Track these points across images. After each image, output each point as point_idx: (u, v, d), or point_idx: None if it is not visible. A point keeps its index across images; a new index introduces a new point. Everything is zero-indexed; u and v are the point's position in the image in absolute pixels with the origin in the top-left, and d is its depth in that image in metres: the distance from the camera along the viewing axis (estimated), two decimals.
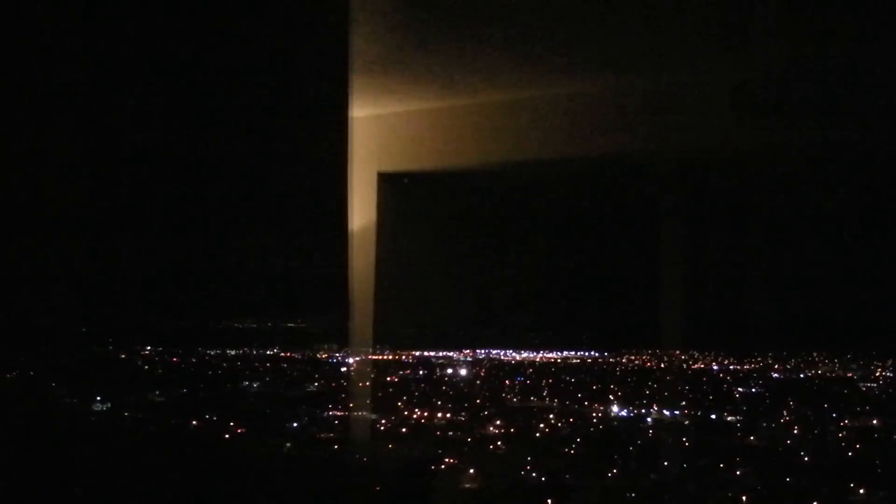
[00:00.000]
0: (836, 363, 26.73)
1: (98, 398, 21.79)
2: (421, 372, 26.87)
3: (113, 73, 17.93)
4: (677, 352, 26.05)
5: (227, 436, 20.08)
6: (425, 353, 27.93)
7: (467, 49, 12.72)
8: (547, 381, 26.72)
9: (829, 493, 16.46)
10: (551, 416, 22.41)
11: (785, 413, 22.50)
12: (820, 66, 12.89)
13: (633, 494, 16.70)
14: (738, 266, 23.11)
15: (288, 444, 19.58)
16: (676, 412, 22.77)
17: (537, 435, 20.81)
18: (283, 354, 27.74)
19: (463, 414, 22.32)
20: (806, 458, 18.70)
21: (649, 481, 17.34)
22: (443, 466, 17.73)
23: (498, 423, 21.43)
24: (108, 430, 20.47)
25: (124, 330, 26.59)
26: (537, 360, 28.98)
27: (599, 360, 28.78)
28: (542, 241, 24.33)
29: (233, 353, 27.49)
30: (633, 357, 28.79)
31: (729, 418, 22.24)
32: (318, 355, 27.24)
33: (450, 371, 27.22)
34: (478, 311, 26.04)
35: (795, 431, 20.97)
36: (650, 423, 22.10)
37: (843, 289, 23.05)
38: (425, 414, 22.19)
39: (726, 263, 23.07)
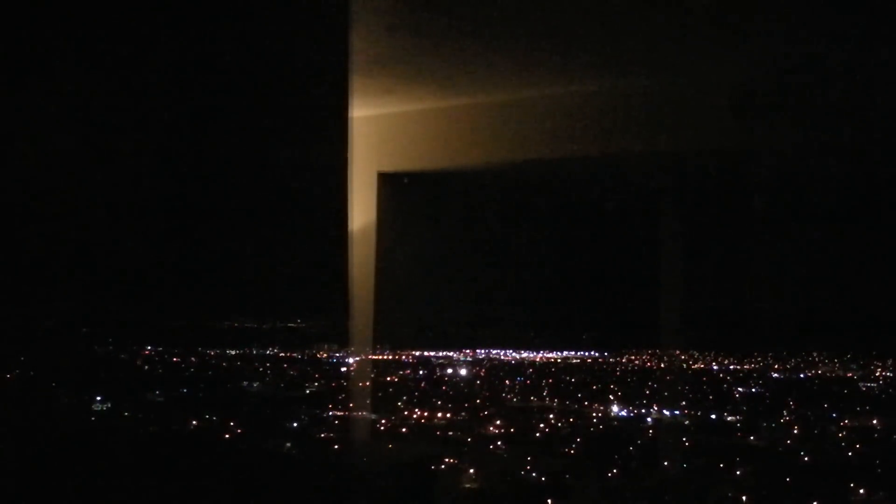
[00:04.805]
0: (836, 363, 26.73)
1: (98, 398, 21.78)
2: (421, 372, 26.87)
3: (112, 72, 17.93)
4: (677, 352, 26.04)
5: (227, 436, 20.08)
6: (425, 353, 27.93)
7: (467, 49, 12.72)
8: (547, 381, 26.72)
9: (829, 493, 16.46)
10: (551, 416, 22.41)
11: (785, 413, 22.50)
12: (820, 66, 12.89)
13: (633, 494, 16.71)
14: (738, 266, 23.10)
15: (288, 444, 19.58)
16: (676, 412, 22.77)
17: (537, 435, 20.81)
18: (283, 354, 27.73)
19: (463, 414, 22.32)
20: (806, 458, 18.70)
21: (649, 481, 17.35)
22: (443, 466, 17.74)
23: (498, 423, 21.43)
24: (108, 430, 20.46)
25: (124, 330, 26.58)
26: (537, 360, 28.98)
27: (599, 360, 28.77)
28: (542, 241, 24.33)
29: (233, 353, 27.48)
30: (633, 357, 28.79)
31: (729, 418, 22.24)
32: (318, 355, 27.24)
33: (450, 371, 27.23)
34: (478, 311, 26.04)
35: (795, 431, 20.97)
36: (650, 423, 22.10)
37: (843, 289, 23.05)
38: (425, 414, 22.19)
39: (726, 263, 23.07)
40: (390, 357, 27.36)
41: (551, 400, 24.26)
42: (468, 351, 28.37)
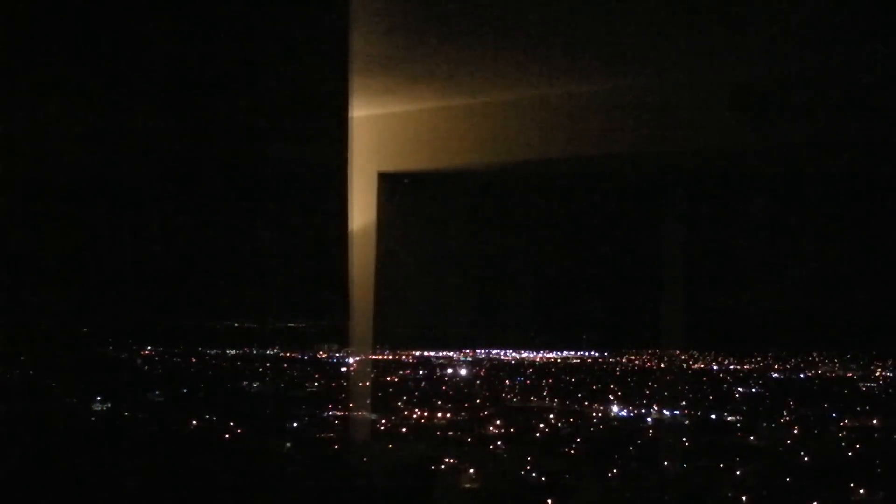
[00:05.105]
0: (836, 363, 26.71)
1: (98, 398, 21.77)
2: (421, 372, 26.86)
3: (111, 71, 17.91)
4: (677, 352, 26.04)
5: (227, 436, 20.08)
6: (425, 353, 27.91)
7: (467, 49, 12.70)
8: (547, 381, 26.72)
9: (829, 493, 16.47)
10: (551, 416, 22.41)
11: (785, 413, 22.50)
12: (819, 66, 12.88)
13: (633, 494, 16.72)
14: (739, 266, 23.10)
15: (288, 444, 19.58)
16: (676, 412, 22.77)
17: (537, 435, 20.81)
18: (283, 354, 27.71)
19: (463, 414, 22.31)
20: (806, 458, 18.70)
21: (649, 481, 17.35)
22: (443, 466, 17.74)
23: (498, 423, 21.42)
24: (108, 430, 20.46)
25: (124, 330, 26.56)
26: (537, 360, 28.97)
27: (599, 360, 28.76)
28: (542, 241, 24.32)
29: (233, 353, 27.46)
30: (633, 357, 28.77)
31: (729, 418, 22.23)
32: (318, 355, 27.22)
33: (450, 371, 27.21)
34: (478, 311, 26.02)
35: (795, 431, 20.97)
36: (650, 423, 22.10)
37: (843, 289, 23.03)
38: (425, 414, 22.19)
39: (727, 263, 23.06)
40: (390, 357, 27.34)
41: (551, 400, 24.24)
42: (468, 351, 28.34)
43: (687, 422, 22.05)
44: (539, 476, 17.42)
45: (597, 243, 24.63)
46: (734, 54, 12.77)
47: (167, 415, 21.48)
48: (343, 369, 25.80)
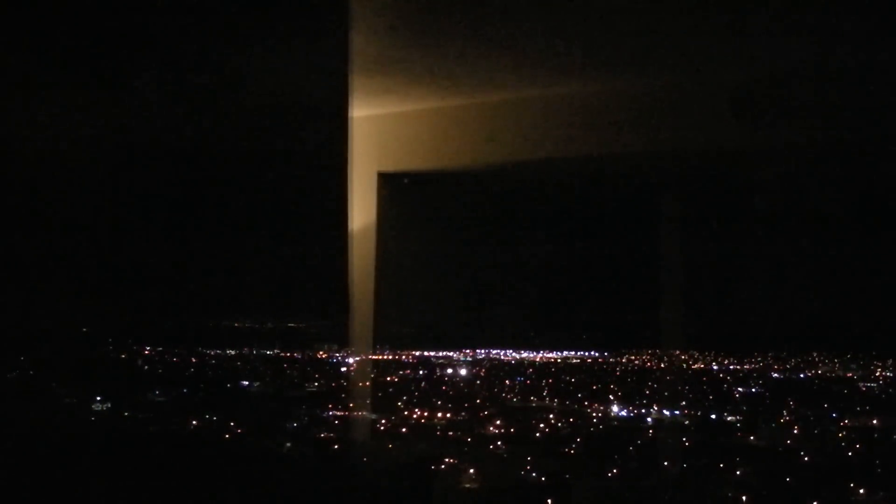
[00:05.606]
0: (836, 363, 26.72)
1: (98, 398, 21.79)
2: (421, 372, 26.87)
3: (111, 71, 17.92)
4: (677, 352, 26.05)
5: (227, 436, 20.10)
6: (425, 353, 27.91)
7: (467, 49, 12.69)
8: (547, 381, 26.72)
9: (829, 493, 16.49)
10: (551, 416, 22.43)
11: (785, 413, 22.51)
12: (820, 66, 12.88)
13: (633, 494, 16.74)
14: (738, 266, 23.10)
15: (288, 444, 19.60)
16: (676, 412, 22.79)
17: (537, 435, 20.83)
18: (283, 354, 27.72)
19: (463, 414, 22.33)
20: (806, 458, 18.72)
21: (649, 481, 17.37)
22: (443, 466, 17.75)
23: (498, 423, 21.44)
24: (108, 430, 20.48)
25: (124, 330, 26.57)
26: (537, 360, 28.97)
27: (599, 360, 28.76)
28: (542, 241, 24.32)
29: (233, 353, 27.47)
30: (633, 357, 28.78)
31: (729, 418, 22.25)
32: (318, 355, 27.23)
33: (450, 371, 27.22)
34: (478, 311, 26.04)
35: (795, 431, 20.99)
36: (650, 423, 22.13)
37: (843, 289, 23.04)
38: (425, 414, 22.20)
39: (726, 263, 23.07)
40: (390, 357, 27.34)
41: (551, 400, 24.26)
42: (468, 351, 28.35)
43: (687, 422, 22.07)
44: (539, 476, 17.45)
45: (597, 243, 24.65)
46: (734, 54, 12.77)
47: (167, 415, 21.50)
48: (343, 369, 25.80)
